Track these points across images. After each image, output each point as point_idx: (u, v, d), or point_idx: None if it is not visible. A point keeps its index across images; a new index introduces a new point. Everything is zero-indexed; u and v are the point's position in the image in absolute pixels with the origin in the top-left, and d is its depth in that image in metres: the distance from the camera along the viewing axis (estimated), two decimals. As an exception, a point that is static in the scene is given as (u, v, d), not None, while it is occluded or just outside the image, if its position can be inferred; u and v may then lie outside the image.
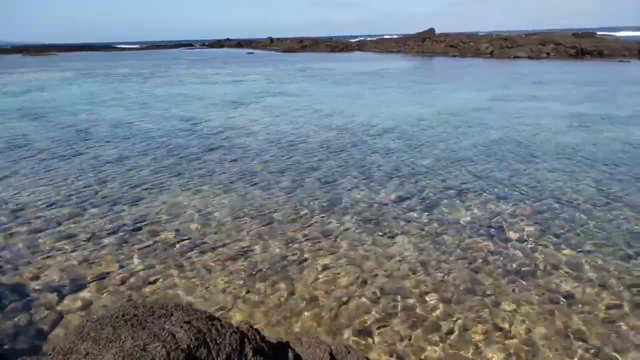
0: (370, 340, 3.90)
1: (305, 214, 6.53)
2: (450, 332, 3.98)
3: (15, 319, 4.17)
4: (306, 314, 4.26)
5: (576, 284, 4.67)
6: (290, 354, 2.82)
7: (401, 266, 5.07)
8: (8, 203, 7.01)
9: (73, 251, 5.46)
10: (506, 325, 4.04)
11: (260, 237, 5.83)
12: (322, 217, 6.42)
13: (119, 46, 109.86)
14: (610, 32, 61.70)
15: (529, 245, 5.51)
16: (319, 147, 10.38)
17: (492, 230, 5.92)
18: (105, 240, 5.74)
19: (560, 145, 10.18)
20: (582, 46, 40.32)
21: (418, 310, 4.28)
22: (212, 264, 5.15)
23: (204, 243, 5.67)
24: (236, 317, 4.15)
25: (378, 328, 4.04)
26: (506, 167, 8.66)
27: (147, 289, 4.67)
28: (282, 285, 4.73)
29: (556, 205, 6.73)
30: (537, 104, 15.93)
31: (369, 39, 79.37)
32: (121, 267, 5.11)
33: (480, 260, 5.18)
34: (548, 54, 41.26)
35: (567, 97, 17.46)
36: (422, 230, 5.98)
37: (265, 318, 4.20)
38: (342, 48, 67.02)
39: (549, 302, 4.37)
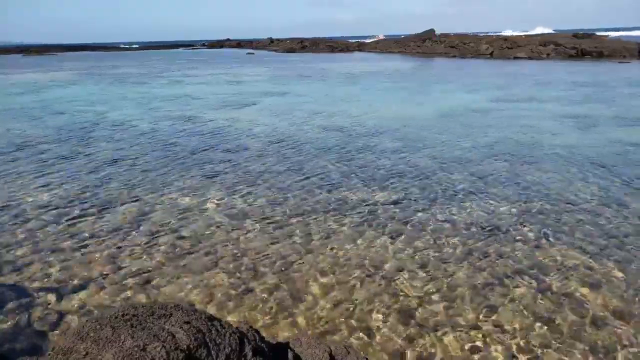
0: (370, 340, 3.90)
1: (305, 213, 6.54)
2: (451, 332, 3.98)
3: (15, 319, 4.17)
4: (306, 314, 4.26)
5: (576, 285, 4.67)
6: (290, 354, 2.83)
7: (401, 266, 5.07)
8: (8, 203, 7.02)
9: (73, 251, 5.47)
10: (507, 326, 4.04)
11: (260, 237, 5.84)
12: (322, 217, 6.42)
13: (119, 46, 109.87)
14: (610, 32, 61.71)
15: (529, 246, 5.51)
16: (319, 147, 10.39)
17: (492, 231, 5.93)
18: (105, 240, 5.74)
19: (560, 146, 10.19)
20: (582, 47, 40.33)
21: (419, 311, 4.28)
22: (212, 264, 5.16)
23: (204, 243, 5.67)
24: (236, 318, 4.15)
25: (378, 328, 4.05)
26: (506, 167, 8.66)
27: (146, 289, 4.67)
28: (282, 285, 4.74)
29: (557, 206, 6.73)
30: (538, 105, 15.93)
31: (369, 39, 79.38)
32: (121, 267, 5.11)
33: (481, 260, 5.18)
34: (548, 54, 41.28)
35: (567, 97, 17.46)
36: (423, 230, 5.98)
37: (265, 318, 4.21)
38: (342, 48, 67.01)
39: (549, 303, 4.37)
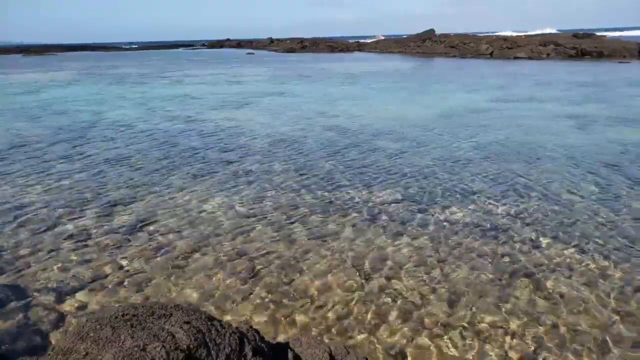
0: (369, 340, 3.90)
1: (305, 213, 6.54)
2: (450, 332, 3.98)
3: (15, 319, 4.17)
4: (305, 314, 4.27)
5: (575, 285, 4.68)
6: (290, 354, 2.83)
7: (401, 266, 5.08)
8: (8, 203, 7.01)
9: (72, 251, 5.47)
10: (505, 326, 4.05)
11: (259, 237, 5.84)
12: (321, 216, 6.42)
13: (119, 46, 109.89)
14: (610, 32, 61.75)
15: (528, 246, 5.51)
16: (318, 147, 10.39)
17: (491, 231, 5.93)
18: (105, 240, 5.74)
19: (560, 146, 10.19)
20: (582, 47, 40.35)
21: (418, 311, 4.28)
22: (212, 264, 5.16)
23: (204, 243, 5.67)
24: (236, 318, 4.15)
25: (377, 328, 4.05)
26: (506, 167, 8.66)
27: (146, 289, 4.68)
28: (282, 285, 4.74)
29: (556, 206, 6.74)
30: (537, 105, 15.94)
31: (368, 39, 79.40)
32: (121, 267, 5.11)
33: (479, 260, 5.19)
34: (548, 54, 41.30)
35: (567, 97, 17.47)
36: (422, 230, 5.98)
37: (264, 318, 4.21)
38: (342, 48, 67.02)
39: (549, 303, 4.37)
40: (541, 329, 4.01)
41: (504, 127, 12.29)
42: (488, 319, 4.15)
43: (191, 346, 2.31)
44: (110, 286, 4.73)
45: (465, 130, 11.94)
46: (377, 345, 3.83)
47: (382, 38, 78.81)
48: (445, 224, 6.17)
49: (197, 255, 5.39)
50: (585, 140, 10.69)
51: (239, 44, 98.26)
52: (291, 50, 67.52)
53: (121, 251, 5.48)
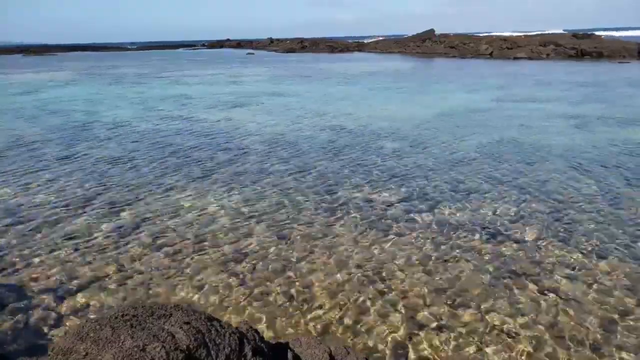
0: (369, 340, 3.90)
1: (305, 213, 6.54)
2: (450, 332, 3.98)
3: (15, 319, 4.17)
4: (305, 314, 4.27)
5: (576, 285, 4.68)
6: (290, 355, 2.83)
7: (401, 266, 5.08)
8: (8, 203, 7.02)
9: (73, 252, 5.47)
10: (506, 326, 4.05)
11: (259, 237, 5.84)
12: (322, 217, 6.42)
13: (119, 46, 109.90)
14: (611, 32, 61.68)
15: (529, 246, 5.51)
16: (318, 147, 10.39)
17: (491, 231, 5.93)
18: (105, 241, 5.74)
19: (560, 146, 10.19)
20: (581, 47, 40.35)
21: (418, 311, 4.28)
22: (212, 264, 5.16)
23: (204, 243, 5.68)
24: (235, 318, 4.15)
25: (377, 328, 4.05)
26: (506, 168, 8.66)
27: (146, 290, 4.68)
28: (282, 285, 4.74)
29: (556, 206, 6.74)
30: (538, 105, 15.93)
31: (368, 39, 79.41)
32: (120, 267, 5.11)
33: (480, 260, 5.19)
34: (548, 54, 41.29)
35: (567, 98, 17.47)
36: (422, 230, 5.98)
37: (264, 318, 4.21)
38: (342, 49, 67.01)
39: (549, 303, 4.38)
40: (540, 328, 4.01)
41: (504, 127, 12.29)
42: (486, 318, 4.15)
43: (191, 346, 2.31)
44: (109, 286, 4.73)
45: (465, 130, 11.94)
46: (377, 345, 3.83)
47: (381, 39, 78.78)
48: (444, 223, 6.17)
49: (196, 255, 5.39)
50: (585, 140, 10.69)
51: (239, 44, 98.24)
52: (291, 51, 67.52)
53: (120, 251, 5.48)
